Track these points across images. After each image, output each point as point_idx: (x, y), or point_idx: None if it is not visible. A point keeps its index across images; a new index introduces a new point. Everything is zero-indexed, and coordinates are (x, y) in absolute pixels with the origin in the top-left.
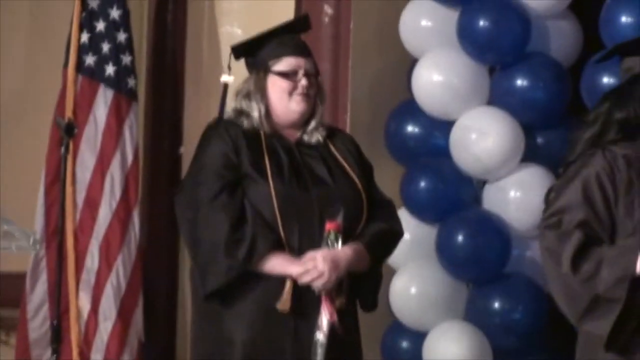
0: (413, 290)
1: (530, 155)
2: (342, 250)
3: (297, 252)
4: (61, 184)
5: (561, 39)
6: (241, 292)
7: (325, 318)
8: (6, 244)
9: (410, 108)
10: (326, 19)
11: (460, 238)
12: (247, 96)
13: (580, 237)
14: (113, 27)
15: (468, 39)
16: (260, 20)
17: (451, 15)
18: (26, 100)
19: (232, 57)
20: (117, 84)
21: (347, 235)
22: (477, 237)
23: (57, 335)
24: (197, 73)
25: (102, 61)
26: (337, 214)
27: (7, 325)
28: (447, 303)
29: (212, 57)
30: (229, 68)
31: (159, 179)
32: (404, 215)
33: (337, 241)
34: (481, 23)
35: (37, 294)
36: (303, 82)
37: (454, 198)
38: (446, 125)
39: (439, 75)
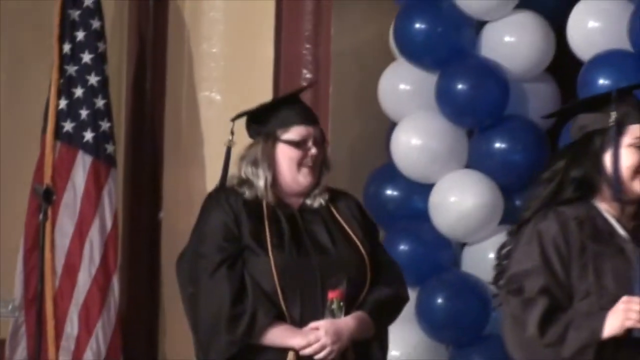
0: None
1: (509, 217)
2: (344, 320)
3: (299, 323)
4: (40, 250)
5: (539, 101)
6: None
7: None
8: None
9: (389, 171)
10: (305, 84)
11: (439, 301)
12: (254, 164)
13: (545, 303)
14: (91, 93)
15: (446, 102)
16: (239, 86)
17: (430, 79)
18: (4, 167)
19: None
20: (96, 150)
21: (351, 301)
22: (455, 300)
23: None
24: (176, 138)
25: (80, 127)
26: (340, 283)
27: None
28: None
29: (191, 122)
30: (232, 133)
31: (139, 245)
32: None
33: (340, 310)
34: (459, 86)
35: None
36: (313, 151)
37: (433, 261)
38: (425, 189)
39: (418, 139)
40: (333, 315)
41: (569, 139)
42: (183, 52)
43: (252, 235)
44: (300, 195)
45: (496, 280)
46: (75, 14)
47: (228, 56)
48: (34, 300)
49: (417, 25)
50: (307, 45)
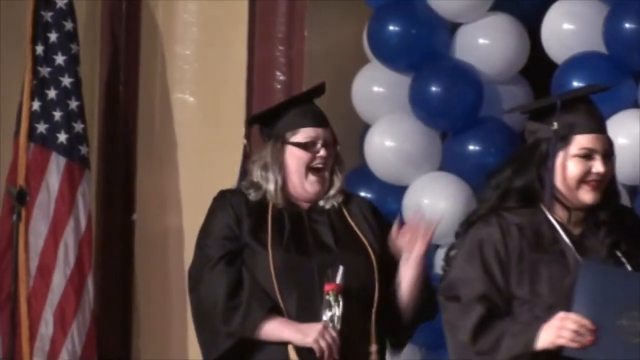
0: None
1: None
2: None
3: (296, 319)
4: (14, 251)
5: (513, 104)
6: None
7: None
8: None
9: (362, 173)
10: (278, 86)
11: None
12: (264, 168)
13: (481, 311)
14: (65, 94)
15: (420, 104)
16: (213, 88)
17: (403, 82)
18: None
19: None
20: (70, 151)
21: (364, 302)
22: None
23: None
24: (149, 140)
25: (54, 129)
26: (335, 275)
27: None
28: None
29: (164, 124)
30: (247, 136)
31: (112, 246)
32: None
33: (337, 302)
34: (433, 89)
35: None
36: (322, 153)
37: None
38: (399, 191)
39: (392, 141)
40: (330, 307)
41: None
42: (156, 54)
43: (253, 234)
44: (310, 200)
45: (441, 283)
46: (48, 15)
47: (201, 58)
48: (7, 300)
49: (391, 28)
50: (281, 47)
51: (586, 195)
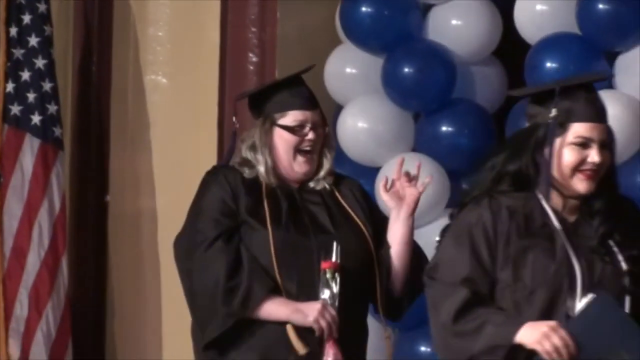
0: None
1: (456, 201)
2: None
3: (296, 298)
4: None
5: (486, 85)
6: (240, 342)
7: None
8: None
9: (336, 155)
10: (251, 67)
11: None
12: (252, 148)
13: (465, 294)
14: (39, 76)
15: (393, 86)
16: (186, 70)
17: (376, 62)
18: None
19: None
20: (44, 133)
21: (363, 281)
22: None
23: None
24: (122, 121)
25: (28, 110)
26: (331, 252)
27: None
28: None
29: (137, 105)
30: (235, 115)
31: (86, 227)
32: None
33: (334, 280)
34: (406, 70)
35: None
36: (310, 136)
37: None
38: (371, 172)
39: (364, 123)
40: (327, 286)
41: (515, 123)
42: (129, 35)
43: (250, 211)
44: (300, 181)
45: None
46: None
47: (174, 40)
48: None
49: (364, 9)
50: (253, 29)
51: (580, 184)
